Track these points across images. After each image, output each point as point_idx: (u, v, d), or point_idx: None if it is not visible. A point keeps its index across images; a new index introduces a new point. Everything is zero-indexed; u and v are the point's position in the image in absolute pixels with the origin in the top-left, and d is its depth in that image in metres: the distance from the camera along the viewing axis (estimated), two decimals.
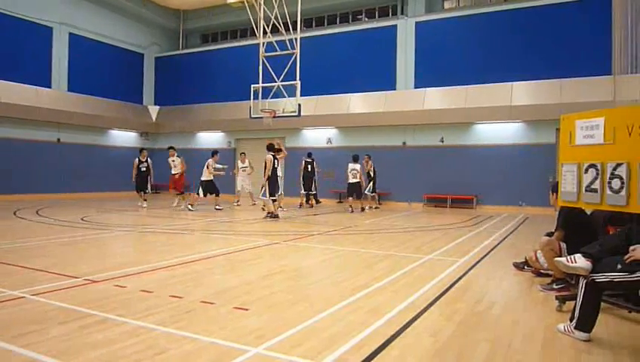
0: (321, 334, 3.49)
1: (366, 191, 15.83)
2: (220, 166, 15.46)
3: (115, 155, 21.72)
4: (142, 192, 15.31)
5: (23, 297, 4.36)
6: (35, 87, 18.58)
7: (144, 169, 15.24)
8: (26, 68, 18.44)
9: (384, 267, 6.15)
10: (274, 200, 12.39)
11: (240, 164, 16.96)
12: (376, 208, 16.41)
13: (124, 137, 22.69)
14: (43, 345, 3.16)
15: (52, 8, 19.54)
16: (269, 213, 12.24)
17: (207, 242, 8.48)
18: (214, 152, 15.44)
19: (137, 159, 15.31)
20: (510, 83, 16.39)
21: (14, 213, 12.41)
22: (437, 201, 17.80)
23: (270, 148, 12.54)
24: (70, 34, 20.29)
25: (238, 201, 16.76)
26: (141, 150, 15.83)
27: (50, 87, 19.45)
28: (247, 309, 4.09)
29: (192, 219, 12.15)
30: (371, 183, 15.92)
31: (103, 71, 21.64)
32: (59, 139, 19.63)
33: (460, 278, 5.54)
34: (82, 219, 11.38)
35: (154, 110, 24.07)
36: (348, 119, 19.04)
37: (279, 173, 12.77)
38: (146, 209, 14.61)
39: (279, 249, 7.75)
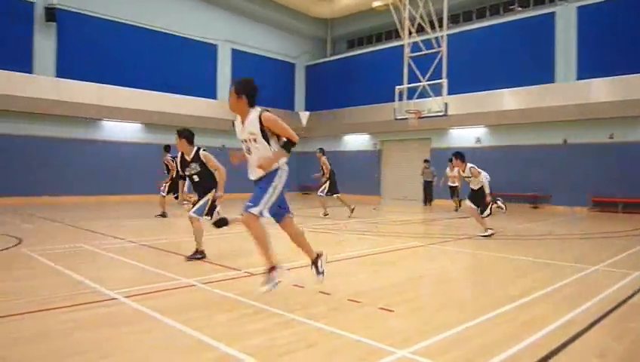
0: (470, 343, 3.36)
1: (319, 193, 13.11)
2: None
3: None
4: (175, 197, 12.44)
5: (194, 285, 4.96)
6: (203, 98, 21.01)
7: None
8: (195, 83, 20.94)
9: (541, 277, 5.68)
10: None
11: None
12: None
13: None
14: (209, 329, 3.56)
15: (216, 28, 21.87)
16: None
17: (355, 242, 8.70)
18: (167, 147, 13.34)
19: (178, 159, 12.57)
20: None
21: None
22: (605, 205, 15.88)
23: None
24: (232, 49, 22.49)
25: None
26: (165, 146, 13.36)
27: (215, 98, 21.78)
28: (392, 311, 4.11)
29: (339, 220, 12.54)
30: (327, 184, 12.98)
31: (260, 81, 23.30)
32: (224, 145, 21.87)
33: (633, 294, 4.87)
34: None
35: (304, 115, 25.46)
36: (499, 117, 17.96)
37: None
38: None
39: (425, 252, 7.63)
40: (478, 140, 19.08)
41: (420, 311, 4.13)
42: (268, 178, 4.27)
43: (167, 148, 13.16)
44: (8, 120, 16.20)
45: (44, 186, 16.75)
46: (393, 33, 23.17)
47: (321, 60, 25.96)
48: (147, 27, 19.56)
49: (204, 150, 6.69)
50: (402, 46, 16.66)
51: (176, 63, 20.45)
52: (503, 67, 18.16)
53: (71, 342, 3.31)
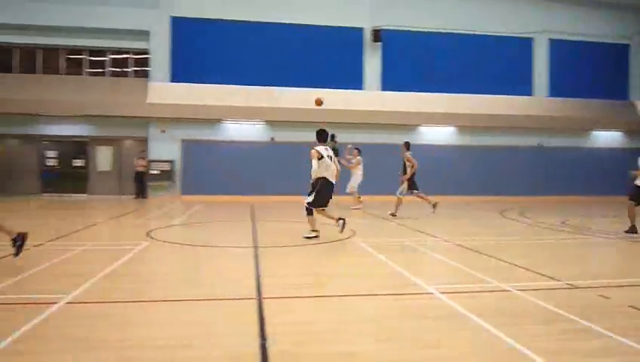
0: None
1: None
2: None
3: (597, 157, 20.70)
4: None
5: (508, 291, 4.81)
6: (517, 96, 20.14)
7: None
8: (509, 80, 20.27)
9: None
10: None
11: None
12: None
13: (606, 137, 21.18)
14: (525, 339, 3.37)
15: (532, 20, 20.59)
16: None
17: None
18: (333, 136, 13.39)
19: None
20: None
21: (501, 213, 13.79)
22: None
23: None
24: (549, 40, 20.77)
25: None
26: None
27: (530, 95, 20.53)
28: None
29: None
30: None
31: (582, 70, 21.02)
32: (539, 144, 20.42)
33: None
34: (562, 223, 11.39)
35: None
36: None
37: None
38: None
39: None
40: None
41: None
42: None
43: (407, 144, 13.05)
44: (343, 130, 18.96)
45: (369, 187, 18.28)
46: None
47: None
48: (458, 32, 20.00)
49: None
50: None
51: (490, 63, 20.22)
52: None
53: (388, 327, 3.71)
